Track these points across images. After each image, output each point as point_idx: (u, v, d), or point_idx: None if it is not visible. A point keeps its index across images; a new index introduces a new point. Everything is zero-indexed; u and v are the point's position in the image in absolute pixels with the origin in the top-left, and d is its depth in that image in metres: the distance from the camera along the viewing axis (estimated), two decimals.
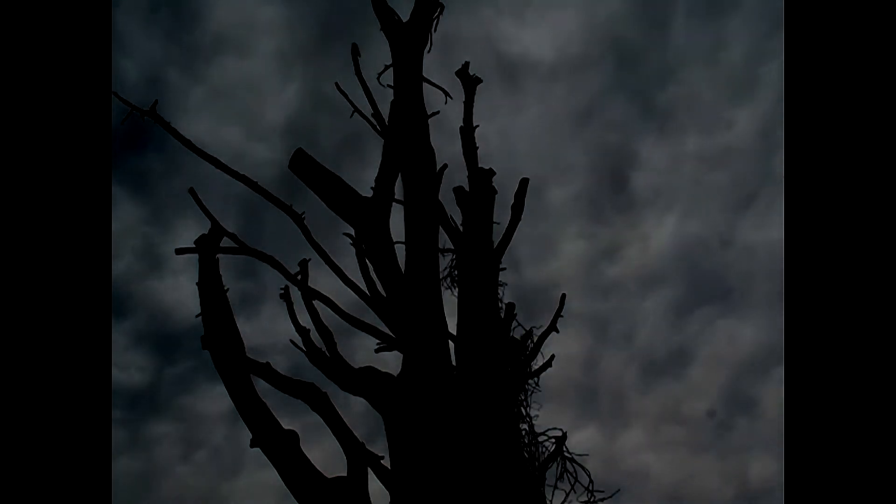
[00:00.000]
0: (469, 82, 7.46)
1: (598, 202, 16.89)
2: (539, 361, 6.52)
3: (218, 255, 5.75)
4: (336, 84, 6.89)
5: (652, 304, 16.52)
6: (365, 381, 5.51)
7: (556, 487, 5.87)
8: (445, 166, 6.65)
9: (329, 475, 5.08)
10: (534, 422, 6.05)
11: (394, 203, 6.37)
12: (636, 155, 16.67)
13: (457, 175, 7.01)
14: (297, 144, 6.35)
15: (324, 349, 5.73)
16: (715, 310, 17.48)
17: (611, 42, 15.75)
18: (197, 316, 5.51)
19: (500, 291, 6.48)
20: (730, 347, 16.62)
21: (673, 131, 16.75)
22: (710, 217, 16.82)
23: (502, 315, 6.47)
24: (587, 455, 6.03)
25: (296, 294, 6.00)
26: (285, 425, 5.19)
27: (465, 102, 7.38)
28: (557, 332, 6.67)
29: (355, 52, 6.90)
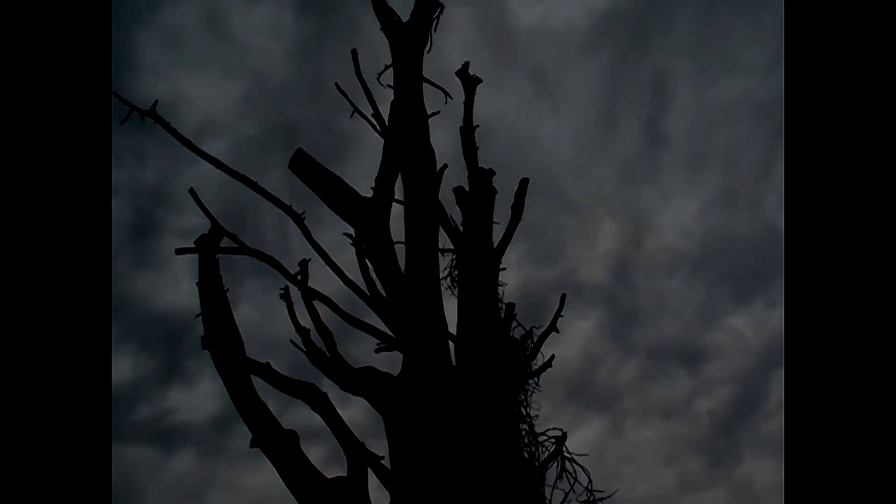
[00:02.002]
0: (469, 82, 7.46)
1: (628, 177, 16.43)
2: (539, 361, 6.53)
3: (218, 255, 5.75)
4: (336, 84, 6.90)
5: (680, 289, 16.15)
6: (365, 381, 5.51)
7: (555, 487, 5.88)
8: (445, 166, 6.66)
9: (329, 475, 5.08)
10: (534, 422, 6.06)
11: (394, 203, 6.38)
12: (665, 120, 16.18)
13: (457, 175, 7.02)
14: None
15: (324, 349, 5.74)
16: (747, 293, 16.86)
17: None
18: (197, 316, 5.51)
19: (500, 291, 6.48)
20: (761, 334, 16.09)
21: (705, 89, 16.17)
22: (749, 186, 16.01)
23: (502, 315, 6.47)
24: (587, 455, 6.05)
25: (296, 294, 6.00)
26: (285, 425, 5.20)
27: (465, 102, 7.39)
28: (557, 332, 6.68)
29: (355, 52, 6.91)
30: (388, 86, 7.01)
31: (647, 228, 15.90)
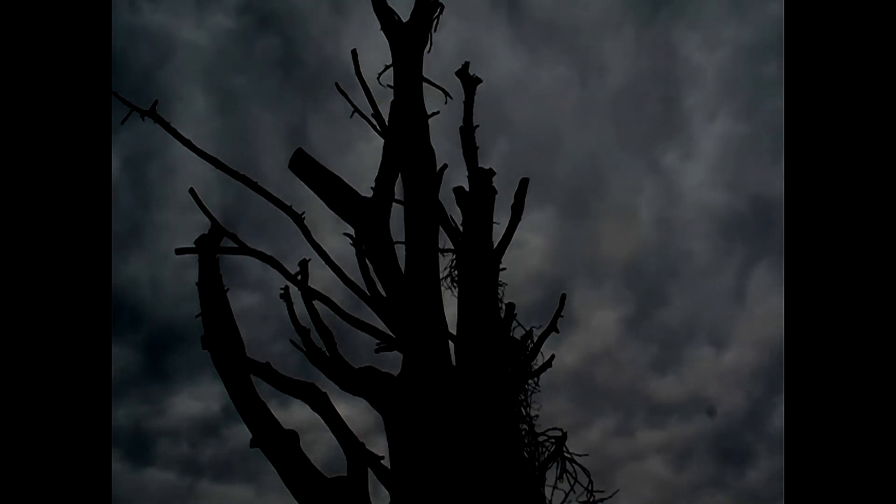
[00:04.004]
0: (469, 82, 7.47)
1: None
2: (539, 361, 6.53)
3: (218, 255, 5.74)
4: (336, 84, 6.89)
5: (710, 272, 15.82)
6: (365, 381, 5.51)
7: (555, 487, 5.88)
8: (445, 166, 6.66)
9: (329, 475, 5.09)
10: (534, 422, 6.06)
11: (394, 203, 6.37)
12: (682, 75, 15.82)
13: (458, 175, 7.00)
14: None
15: (324, 349, 5.73)
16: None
17: None
18: (197, 316, 5.50)
19: (500, 291, 6.49)
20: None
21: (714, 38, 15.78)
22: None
23: (502, 315, 6.47)
24: (587, 455, 6.05)
25: (296, 294, 6.00)
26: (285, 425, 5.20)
27: (465, 102, 7.39)
28: (557, 332, 6.69)
29: (355, 52, 6.91)
30: (388, 86, 7.01)
31: (674, 202, 15.58)
